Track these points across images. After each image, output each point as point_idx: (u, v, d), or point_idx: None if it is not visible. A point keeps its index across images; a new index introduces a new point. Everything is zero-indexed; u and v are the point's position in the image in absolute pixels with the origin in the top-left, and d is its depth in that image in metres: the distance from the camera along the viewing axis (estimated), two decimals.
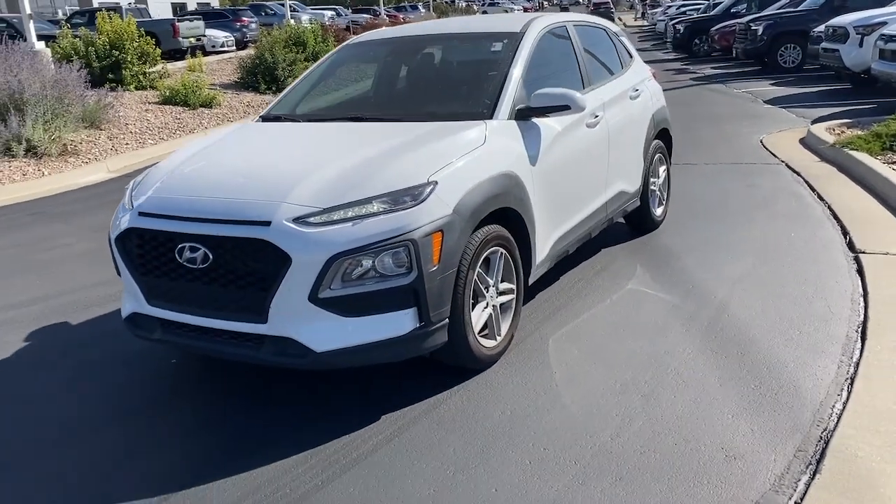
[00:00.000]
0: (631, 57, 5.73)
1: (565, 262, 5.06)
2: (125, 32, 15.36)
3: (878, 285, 4.43)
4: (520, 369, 3.68)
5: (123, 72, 15.21)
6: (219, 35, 22.89)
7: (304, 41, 17.89)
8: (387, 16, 32.38)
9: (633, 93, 5.34)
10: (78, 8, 29.06)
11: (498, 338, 3.74)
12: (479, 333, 3.64)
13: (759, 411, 3.20)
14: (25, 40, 13.35)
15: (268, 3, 28.68)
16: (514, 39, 4.38)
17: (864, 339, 3.83)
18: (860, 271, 4.68)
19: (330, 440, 3.15)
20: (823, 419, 3.12)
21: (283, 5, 24.24)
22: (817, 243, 5.29)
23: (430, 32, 4.91)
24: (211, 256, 3.24)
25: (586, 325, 4.16)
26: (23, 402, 3.71)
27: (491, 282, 3.65)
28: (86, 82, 11.96)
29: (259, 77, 16.72)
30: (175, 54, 20.75)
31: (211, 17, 25.21)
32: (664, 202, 5.96)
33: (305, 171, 3.44)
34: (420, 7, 37.40)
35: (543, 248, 4.15)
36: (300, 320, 3.16)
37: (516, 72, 4.15)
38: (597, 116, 4.67)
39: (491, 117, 3.90)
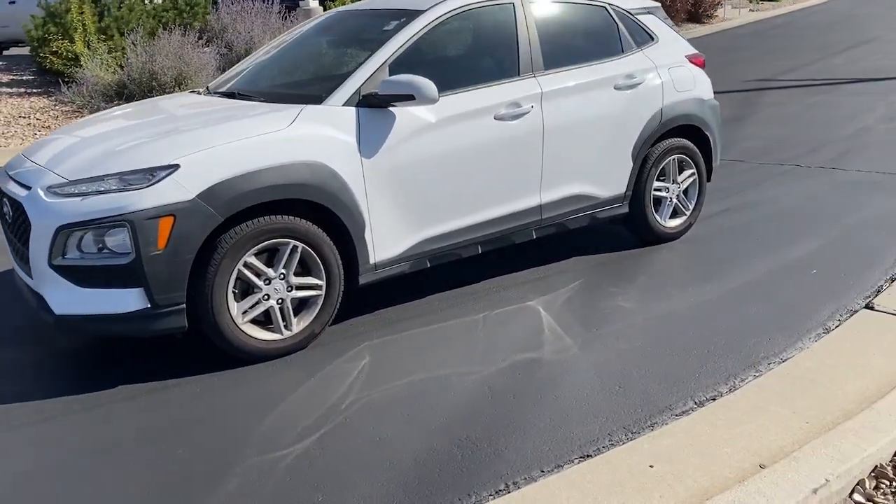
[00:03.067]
0: (652, 39, 4.90)
1: (501, 263, 4.69)
2: None
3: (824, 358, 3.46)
4: (290, 369, 3.54)
5: None
6: None
7: None
8: None
9: (624, 81, 4.60)
10: None
11: (286, 332, 3.63)
12: (261, 325, 3.57)
13: (437, 466, 2.76)
14: None
15: None
16: (409, 18, 4.06)
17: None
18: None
19: (42, 398, 3.35)
20: (506, 486, 2.62)
21: None
22: (829, 288, 4.19)
23: (364, 8, 4.67)
24: (11, 213, 3.60)
25: (419, 337, 3.82)
26: None
27: (272, 273, 3.54)
28: None
29: None
30: None
31: None
32: (687, 213, 5.08)
33: (100, 142, 3.62)
34: None
35: (393, 247, 3.88)
36: (46, 282, 3.38)
37: (381, 55, 3.86)
38: (519, 107, 4.15)
39: (320, 102, 3.70)
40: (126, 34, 11.86)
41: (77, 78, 11.15)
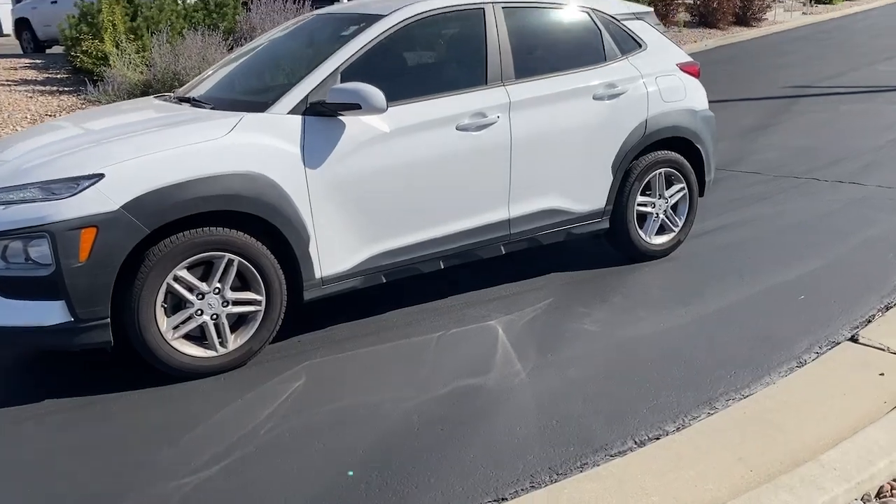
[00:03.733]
0: (640, 46, 4.64)
1: (475, 278, 4.49)
2: None
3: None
4: (219, 389, 3.40)
5: None
6: None
7: None
8: None
9: (605, 90, 4.35)
10: None
11: (221, 349, 3.49)
12: (196, 342, 3.45)
13: None
14: None
15: None
16: (367, 23, 3.88)
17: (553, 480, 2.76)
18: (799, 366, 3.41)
19: None
20: None
21: None
22: (814, 316, 3.90)
23: (339, 11, 4.50)
24: None
25: (364, 358, 3.65)
26: None
27: (206, 288, 3.40)
28: None
29: None
30: None
31: None
32: (675, 229, 4.80)
33: (35, 149, 3.53)
34: None
35: (343, 262, 3.71)
36: None
37: (332, 62, 3.69)
38: (485, 117, 3.94)
39: (263, 110, 3.55)
40: (154, 34, 11.93)
41: (105, 77, 11.25)
